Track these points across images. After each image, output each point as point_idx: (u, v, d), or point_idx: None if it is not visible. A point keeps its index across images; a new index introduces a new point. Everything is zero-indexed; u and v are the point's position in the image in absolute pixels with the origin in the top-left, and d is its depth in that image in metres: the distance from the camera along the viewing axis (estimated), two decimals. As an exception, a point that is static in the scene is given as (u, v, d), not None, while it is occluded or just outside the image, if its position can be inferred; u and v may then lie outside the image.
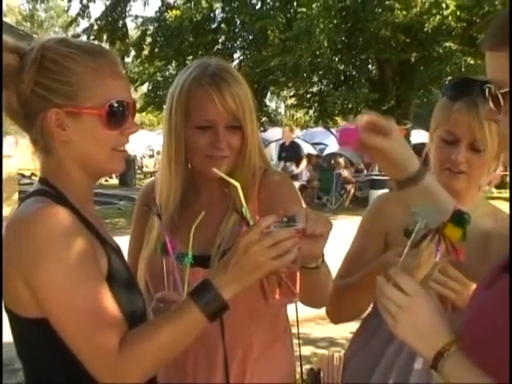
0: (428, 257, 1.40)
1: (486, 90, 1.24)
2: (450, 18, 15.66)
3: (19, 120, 1.54)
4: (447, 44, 16.98)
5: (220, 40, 19.30)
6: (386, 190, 14.50)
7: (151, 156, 26.79)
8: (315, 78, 19.35)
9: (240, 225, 1.61)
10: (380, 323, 1.75)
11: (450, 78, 15.01)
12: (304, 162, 17.66)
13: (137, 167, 24.35)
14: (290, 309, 1.86)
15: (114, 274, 1.49)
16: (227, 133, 1.88)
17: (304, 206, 1.85)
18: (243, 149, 1.91)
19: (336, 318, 2.18)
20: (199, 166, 1.94)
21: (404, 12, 15.75)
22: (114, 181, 22.44)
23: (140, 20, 19.51)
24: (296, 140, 19.64)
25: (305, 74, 17.78)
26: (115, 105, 1.49)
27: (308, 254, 1.59)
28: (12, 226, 1.45)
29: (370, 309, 2.09)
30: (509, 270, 1.18)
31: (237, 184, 1.53)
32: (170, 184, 1.95)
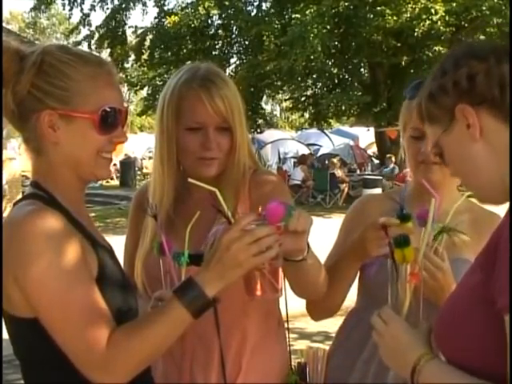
0: (405, 280, 1.49)
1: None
2: (439, 22, 16.07)
3: (13, 119, 1.54)
4: (436, 48, 17.35)
5: (217, 46, 19.62)
6: (378, 189, 14.88)
7: (151, 158, 26.91)
8: (309, 82, 19.74)
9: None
10: (360, 318, 1.98)
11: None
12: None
13: (137, 168, 24.61)
14: (283, 303, 1.89)
15: (105, 275, 1.49)
16: (217, 134, 1.89)
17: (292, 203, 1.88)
18: (233, 150, 1.92)
19: (315, 314, 2.15)
20: (190, 168, 1.94)
21: (395, 17, 16.14)
22: (115, 181, 22.79)
23: (140, 30, 19.83)
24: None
25: (299, 78, 18.16)
26: (108, 110, 1.51)
27: (293, 249, 1.64)
28: (4, 229, 1.45)
29: (353, 305, 2.13)
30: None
31: (215, 189, 1.54)
32: (163, 184, 1.96)
